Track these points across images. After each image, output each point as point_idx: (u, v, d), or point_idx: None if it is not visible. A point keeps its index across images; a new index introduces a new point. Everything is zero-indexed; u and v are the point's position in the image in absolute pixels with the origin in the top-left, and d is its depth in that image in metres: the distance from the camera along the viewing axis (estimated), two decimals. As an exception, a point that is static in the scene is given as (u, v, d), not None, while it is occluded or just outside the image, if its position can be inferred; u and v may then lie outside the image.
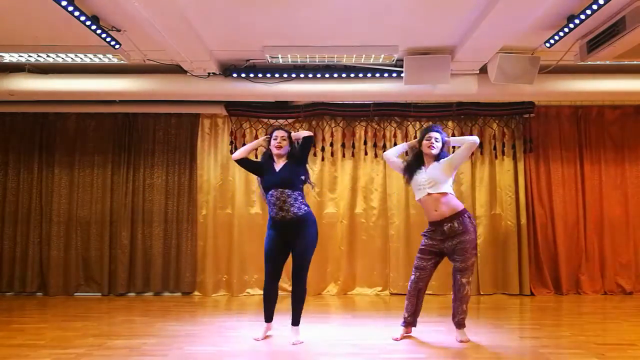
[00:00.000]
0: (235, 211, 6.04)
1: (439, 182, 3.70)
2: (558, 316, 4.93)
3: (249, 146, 4.10)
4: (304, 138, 3.94)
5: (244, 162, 4.01)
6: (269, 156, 3.99)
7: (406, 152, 4.16)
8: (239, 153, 4.01)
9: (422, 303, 3.92)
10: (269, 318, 3.94)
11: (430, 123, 4.12)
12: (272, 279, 3.87)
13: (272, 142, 3.91)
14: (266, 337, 3.92)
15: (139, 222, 6.05)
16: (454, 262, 3.73)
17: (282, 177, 3.79)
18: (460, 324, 3.81)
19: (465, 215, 3.69)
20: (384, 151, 5.77)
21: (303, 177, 3.89)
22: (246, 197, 6.05)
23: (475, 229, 3.75)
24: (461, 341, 3.77)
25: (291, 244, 3.82)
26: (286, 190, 3.74)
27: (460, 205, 3.72)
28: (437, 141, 3.80)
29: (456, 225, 3.65)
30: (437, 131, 3.87)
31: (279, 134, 3.91)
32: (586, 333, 4.03)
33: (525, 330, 4.39)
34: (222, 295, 5.99)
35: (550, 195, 6.06)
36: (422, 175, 3.79)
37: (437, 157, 3.82)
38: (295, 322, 3.87)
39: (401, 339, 3.87)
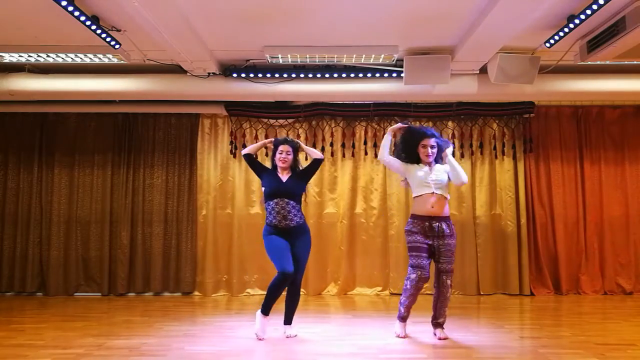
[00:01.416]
0: (235, 211, 6.04)
1: (445, 185, 3.88)
2: (558, 316, 4.93)
3: (259, 144, 4.25)
4: (315, 160, 4.09)
5: (252, 159, 4.09)
6: (273, 165, 4.09)
7: (394, 143, 4.13)
8: (250, 149, 4.14)
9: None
10: (269, 311, 3.89)
11: (418, 124, 4.13)
12: (292, 268, 3.73)
13: (277, 155, 4.02)
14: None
15: (139, 222, 6.04)
16: (439, 264, 3.81)
17: (288, 189, 3.92)
18: (440, 324, 3.91)
19: (451, 220, 3.90)
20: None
21: (304, 192, 4.08)
22: (246, 197, 6.05)
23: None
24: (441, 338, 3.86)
25: (291, 245, 3.91)
26: (290, 202, 3.89)
27: (448, 211, 3.92)
28: (433, 148, 3.89)
29: (444, 227, 3.80)
30: (432, 135, 3.90)
31: (284, 148, 4.00)
32: (586, 333, 4.03)
33: (525, 330, 4.40)
34: (222, 295, 5.99)
35: (550, 195, 6.06)
36: (427, 175, 3.85)
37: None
38: (290, 321, 4.02)
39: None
